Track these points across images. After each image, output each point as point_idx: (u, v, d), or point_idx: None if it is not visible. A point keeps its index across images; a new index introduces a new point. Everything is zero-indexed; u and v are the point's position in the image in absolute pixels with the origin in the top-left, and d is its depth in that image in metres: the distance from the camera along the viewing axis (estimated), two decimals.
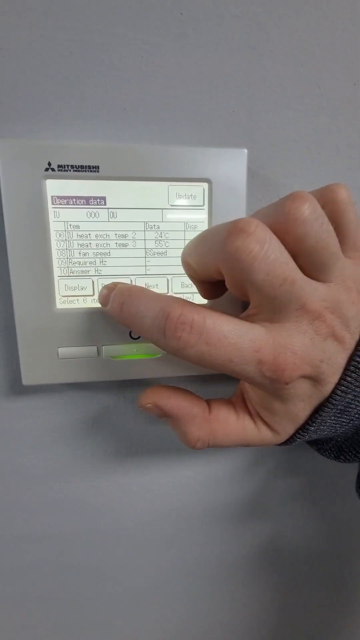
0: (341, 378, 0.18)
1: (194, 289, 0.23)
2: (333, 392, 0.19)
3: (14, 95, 0.21)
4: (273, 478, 0.31)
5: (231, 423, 0.21)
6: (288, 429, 0.20)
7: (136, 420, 0.27)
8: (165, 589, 0.33)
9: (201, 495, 0.30)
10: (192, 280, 0.21)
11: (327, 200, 0.18)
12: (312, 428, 0.20)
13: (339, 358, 0.18)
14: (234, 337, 0.17)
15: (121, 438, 0.27)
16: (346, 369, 0.18)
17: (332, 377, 0.18)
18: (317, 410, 0.19)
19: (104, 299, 0.21)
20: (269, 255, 0.15)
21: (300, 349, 0.17)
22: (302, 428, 0.20)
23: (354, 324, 0.18)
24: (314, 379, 0.18)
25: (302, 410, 0.19)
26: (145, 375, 0.24)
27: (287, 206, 0.16)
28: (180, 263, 0.23)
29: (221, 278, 0.18)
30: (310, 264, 0.17)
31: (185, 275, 0.21)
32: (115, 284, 0.21)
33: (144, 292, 0.19)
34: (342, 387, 0.18)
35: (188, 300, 0.18)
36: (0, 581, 0.30)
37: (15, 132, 0.21)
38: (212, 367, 0.17)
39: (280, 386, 0.18)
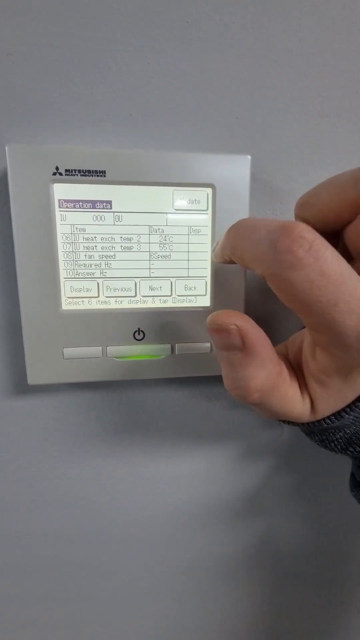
0: None
1: (198, 291, 0.24)
2: None
3: (23, 101, 0.21)
4: (269, 476, 0.31)
5: (286, 387, 0.19)
6: (329, 410, 0.19)
7: (138, 420, 0.27)
8: (162, 586, 0.33)
9: (199, 493, 0.30)
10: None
11: None
12: (348, 416, 0.19)
13: None
14: (349, 279, 0.15)
15: (123, 437, 0.28)
16: None
17: None
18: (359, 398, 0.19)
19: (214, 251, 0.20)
20: None
21: None
22: (338, 413, 0.19)
23: None
24: None
25: (355, 392, 0.18)
26: (149, 375, 0.24)
27: None
28: (183, 266, 0.23)
29: (347, 220, 0.17)
30: None
31: (188, 278, 0.22)
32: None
33: (255, 218, 0.17)
34: None
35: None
36: (1, 578, 0.30)
37: (24, 137, 0.22)
38: (312, 304, 0.15)
39: None
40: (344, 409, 0.19)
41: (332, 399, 0.19)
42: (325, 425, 0.20)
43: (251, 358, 0.17)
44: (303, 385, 0.20)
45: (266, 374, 0.18)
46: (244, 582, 0.34)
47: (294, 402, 0.19)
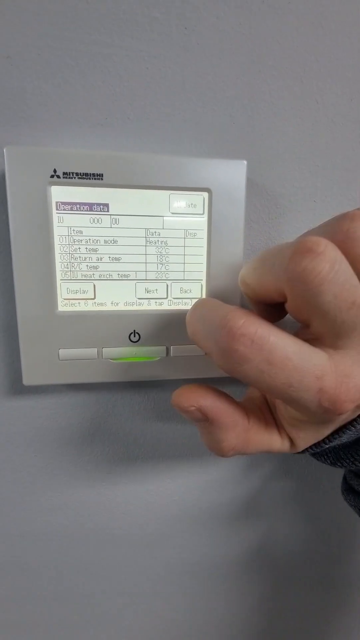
0: None
1: (193, 294, 0.24)
2: (359, 415, 0.18)
3: (21, 104, 0.21)
4: (267, 481, 0.31)
5: (261, 434, 0.20)
6: (308, 444, 0.20)
7: (134, 422, 0.28)
8: (161, 589, 0.33)
9: (197, 496, 0.30)
10: (249, 302, 0.20)
11: None
12: (327, 446, 0.20)
13: None
14: (298, 360, 0.15)
15: (119, 439, 0.28)
16: None
17: None
18: (337, 431, 0.19)
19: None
20: (339, 276, 0.14)
21: None
22: (317, 444, 0.20)
23: None
24: (358, 406, 0.17)
25: (329, 431, 0.19)
26: (144, 377, 0.24)
27: (344, 225, 0.15)
28: (179, 269, 0.23)
29: (281, 300, 0.17)
30: None
31: (184, 280, 0.22)
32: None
33: (211, 301, 0.18)
34: None
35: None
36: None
37: (22, 139, 0.22)
38: (267, 389, 0.16)
39: (331, 416, 0.17)
40: (323, 441, 0.20)
41: (309, 437, 0.20)
42: (308, 453, 0.21)
43: (217, 426, 0.19)
44: (280, 426, 0.21)
45: (235, 434, 0.19)
46: (242, 585, 0.35)
47: (272, 443, 0.20)
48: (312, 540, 0.34)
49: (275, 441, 0.20)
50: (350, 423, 0.19)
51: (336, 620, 0.38)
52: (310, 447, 0.21)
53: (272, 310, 0.19)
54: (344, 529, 0.34)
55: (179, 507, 0.30)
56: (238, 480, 0.31)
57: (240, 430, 0.19)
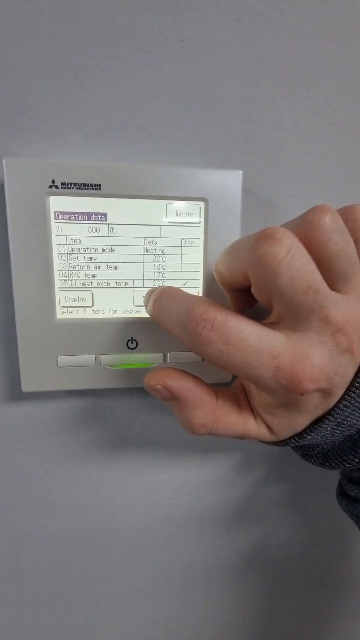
0: (345, 393, 0.18)
1: None
2: (336, 405, 0.19)
3: (21, 115, 0.22)
4: (263, 484, 0.31)
5: (233, 415, 0.21)
6: (285, 433, 0.21)
7: (132, 428, 0.28)
8: (156, 591, 0.33)
9: (193, 500, 0.31)
10: (223, 289, 0.22)
11: (348, 218, 0.18)
12: (309, 437, 0.20)
13: (349, 372, 0.18)
14: (253, 340, 0.17)
15: (117, 444, 0.28)
16: (351, 384, 0.18)
17: (340, 391, 0.18)
18: (317, 422, 0.20)
19: (145, 300, 0.22)
20: (294, 261, 0.16)
21: (319, 361, 0.17)
22: (299, 435, 0.20)
23: None
24: (326, 392, 0.18)
25: (304, 419, 0.20)
26: (142, 384, 0.25)
27: (309, 216, 0.17)
28: (176, 277, 0.24)
29: (248, 284, 0.19)
30: (331, 272, 0.17)
31: (182, 288, 0.22)
32: (155, 288, 0.21)
33: (176, 291, 0.20)
34: (345, 402, 0.19)
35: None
36: None
37: (21, 150, 0.22)
38: (228, 367, 0.17)
39: (294, 396, 0.18)
40: (304, 430, 0.20)
41: (285, 425, 0.20)
42: (291, 445, 0.21)
43: (184, 404, 0.20)
44: (256, 412, 0.21)
45: (203, 412, 0.20)
46: (239, 588, 0.35)
47: (246, 426, 0.21)
48: (308, 543, 0.34)
49: (250, 426, 0.21)
50: (329, 412, 0.19)
51: (332, 623, 0.39)
52: (293, 437, 0.21)
53: (244, 297, 0.21)
54: (339, 532, 0.34)
55: (177, 511, 0.31)
56: (234, 484, 0.31)
57: (209, 408, 0.20)
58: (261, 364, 0.17)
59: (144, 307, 0.24)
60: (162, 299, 0.20)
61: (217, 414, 0.21)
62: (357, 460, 0.21)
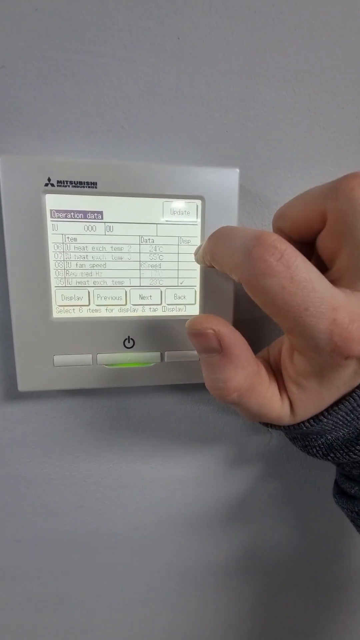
0: None
1: (187, 300, 0.24)
2: (358, 386, 0.18)
3: (16, 113, 0.22)
4: (258, 482, 0.31)
5: (265, 387, 0.19)
6: (307, 412, 0.20)
7: (129, 427, 0.28)
8: (152, 591, 0.33)
9: (188, 499, 0.31)
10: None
11: None
12: (325, 420, 0.19)
13: None
14: (318, 284, 0.16)
15: (113, 444, 0.28)
16: None
17: None
18: (337, 403, 0.19)
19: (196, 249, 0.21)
20: None
21: None
22: (315, 417, 0.20)
23: None
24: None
25: (331, 396, 0.19)
26: (138, 383, 0.25)
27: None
28: (173, 275, 0.24)
29: (319, 227, 0.18)
30: None
31: (178, 287, 0.22)
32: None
33: (236, 227, 0.19)
34: None
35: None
36: None
37: (17, 148, 0.22)
38: (283, 309, 0.16)
39: (336, 360, 0.17)
40: (322, 413, 0.20)
41: (310, 402, 0.19)
42: (305, 428, 0.20)
43: (229, 360, 0.18)
44: (282, 387, 0.20)
45: (244, 375, 0.18)
46: (233, 587, 0.35)
47: (273, 403, 0.19)
48: (304, 542, 0.34)
49: (275, 402, 0.19)
50: (349, 394, 0.19)
51: (329, 621, 0.39)
52: (309, 420, 0.20)
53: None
54: (335, 531, 0.34)
55: (171, 511, 0.31)
56: (230, 484, 0.31)
57: (250, 370, 0.18)
58: (320, 312, 0.16)
59: (141, 307, 0.24)
60: (222, 230, 0.19)
61: (254, 381, 0.19)
62: None
